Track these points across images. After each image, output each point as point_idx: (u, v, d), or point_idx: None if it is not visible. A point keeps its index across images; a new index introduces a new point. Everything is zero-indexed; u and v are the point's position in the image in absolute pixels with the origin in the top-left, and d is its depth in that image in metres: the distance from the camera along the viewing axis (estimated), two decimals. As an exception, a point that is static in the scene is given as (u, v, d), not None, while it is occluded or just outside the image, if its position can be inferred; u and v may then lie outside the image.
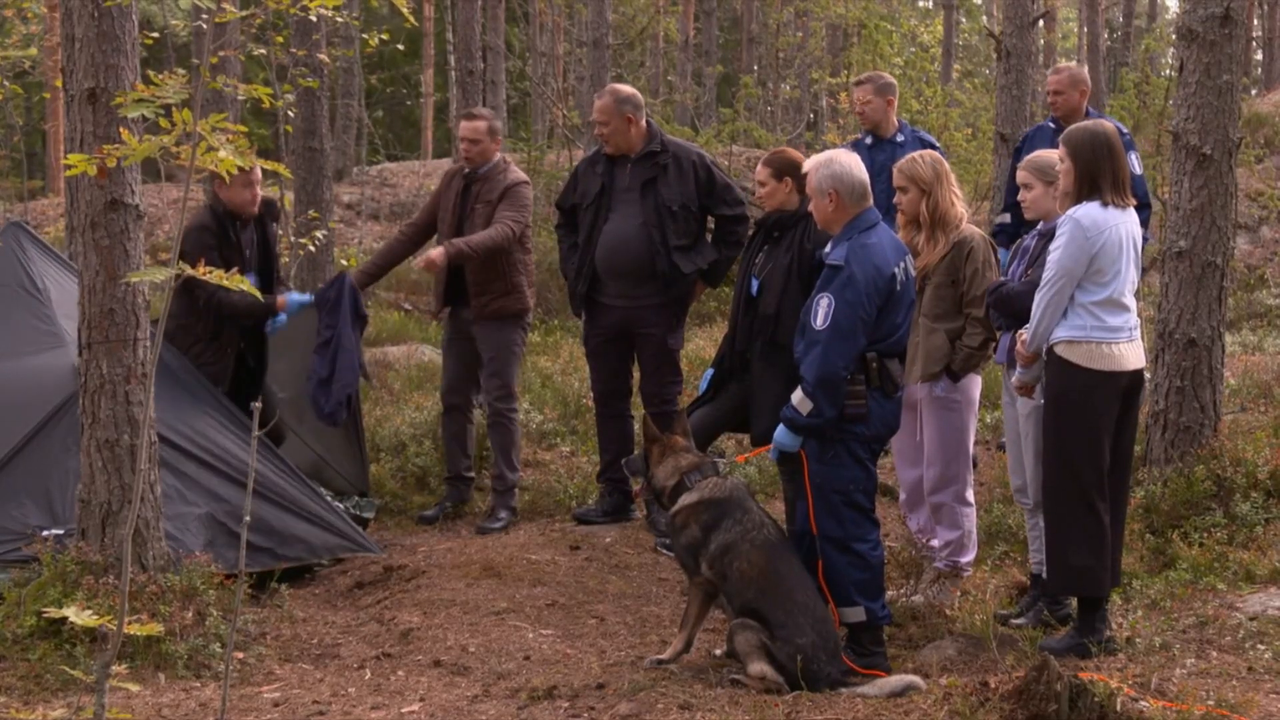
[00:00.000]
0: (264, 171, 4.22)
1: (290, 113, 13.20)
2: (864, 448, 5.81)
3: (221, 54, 13.24)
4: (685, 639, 5.93)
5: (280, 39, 13.02)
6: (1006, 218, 8.67)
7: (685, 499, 5.95)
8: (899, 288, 5.78)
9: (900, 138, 8.74)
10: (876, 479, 5.97)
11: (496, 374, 8.20)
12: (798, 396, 5.69)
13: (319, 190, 13.89)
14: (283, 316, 7.85)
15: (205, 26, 9.72)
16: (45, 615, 5.47)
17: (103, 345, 6.22)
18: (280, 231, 8.20)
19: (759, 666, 5.50)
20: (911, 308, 5.95)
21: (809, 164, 6.06)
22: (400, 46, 18.43)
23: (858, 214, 5.86)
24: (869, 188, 5.94)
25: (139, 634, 3.91)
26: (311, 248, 10.60)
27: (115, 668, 3.72)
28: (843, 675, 5.54)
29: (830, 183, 5.86)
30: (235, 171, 7.21)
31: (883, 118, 8.82)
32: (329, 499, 7.91)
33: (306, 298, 7.93)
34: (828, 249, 5.89)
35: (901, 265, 5.82)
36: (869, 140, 8.88)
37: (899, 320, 5.82)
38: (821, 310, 5.66)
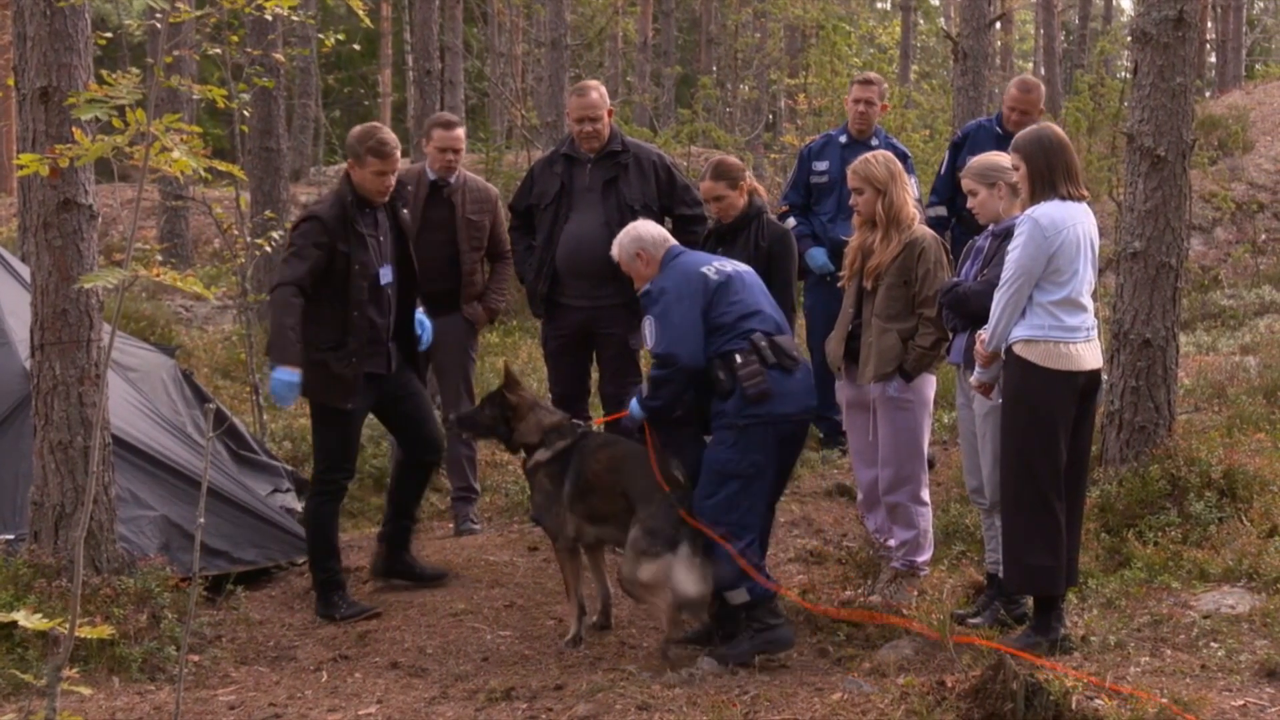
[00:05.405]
0: (218, 172, 4.17)
1: (246, 113, 13.10)
2: (774, 431, 5.94)
3: (176, 54, 13.15)
4: (576, 606, 6.23)
5: (235, 38, 12.91)
6: (942, 210, 8.72)
7: (540, 455, 6.28)
8: (716, 277, 6.06)
9: (875, 142, 8.76)
10: (766, 466, 6.02)
11: (465, 380, 8.18)
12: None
13: (275, 190, 13.81)
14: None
15: (160, 26, 9.63)
16: (-4, 619, 5.40)
17: (56, 346, 6.16)
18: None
19: (649, 571, 5.82)
20: (757, 291, 6.16)
21: (615, 252, 6.39)
22: (357, 46, 18.36)
23: (663, 255, 6.22)
24: (665, 231, 6.40)
25: (92, 637, 3.86)
26: (268, 248, 10.50)
27: (67, 671, 3.69)
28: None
29: (635, 245, 6.28)
30: (370, 157, 6.66)
31: (874, 121, 8.91)
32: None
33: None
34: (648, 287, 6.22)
35: (710, 265, 6.15)
36: (844, 139, 8.92)
37: (749, 299, 6.07)
38: (649, 332, 6.07)
